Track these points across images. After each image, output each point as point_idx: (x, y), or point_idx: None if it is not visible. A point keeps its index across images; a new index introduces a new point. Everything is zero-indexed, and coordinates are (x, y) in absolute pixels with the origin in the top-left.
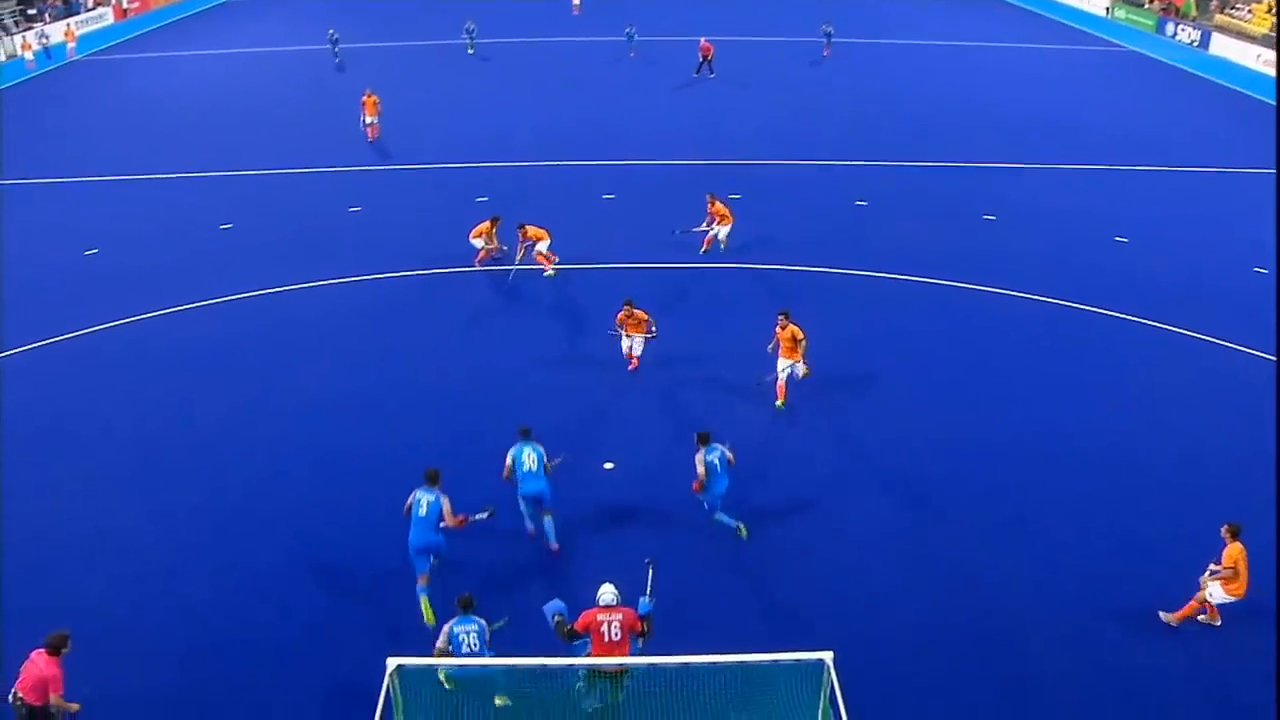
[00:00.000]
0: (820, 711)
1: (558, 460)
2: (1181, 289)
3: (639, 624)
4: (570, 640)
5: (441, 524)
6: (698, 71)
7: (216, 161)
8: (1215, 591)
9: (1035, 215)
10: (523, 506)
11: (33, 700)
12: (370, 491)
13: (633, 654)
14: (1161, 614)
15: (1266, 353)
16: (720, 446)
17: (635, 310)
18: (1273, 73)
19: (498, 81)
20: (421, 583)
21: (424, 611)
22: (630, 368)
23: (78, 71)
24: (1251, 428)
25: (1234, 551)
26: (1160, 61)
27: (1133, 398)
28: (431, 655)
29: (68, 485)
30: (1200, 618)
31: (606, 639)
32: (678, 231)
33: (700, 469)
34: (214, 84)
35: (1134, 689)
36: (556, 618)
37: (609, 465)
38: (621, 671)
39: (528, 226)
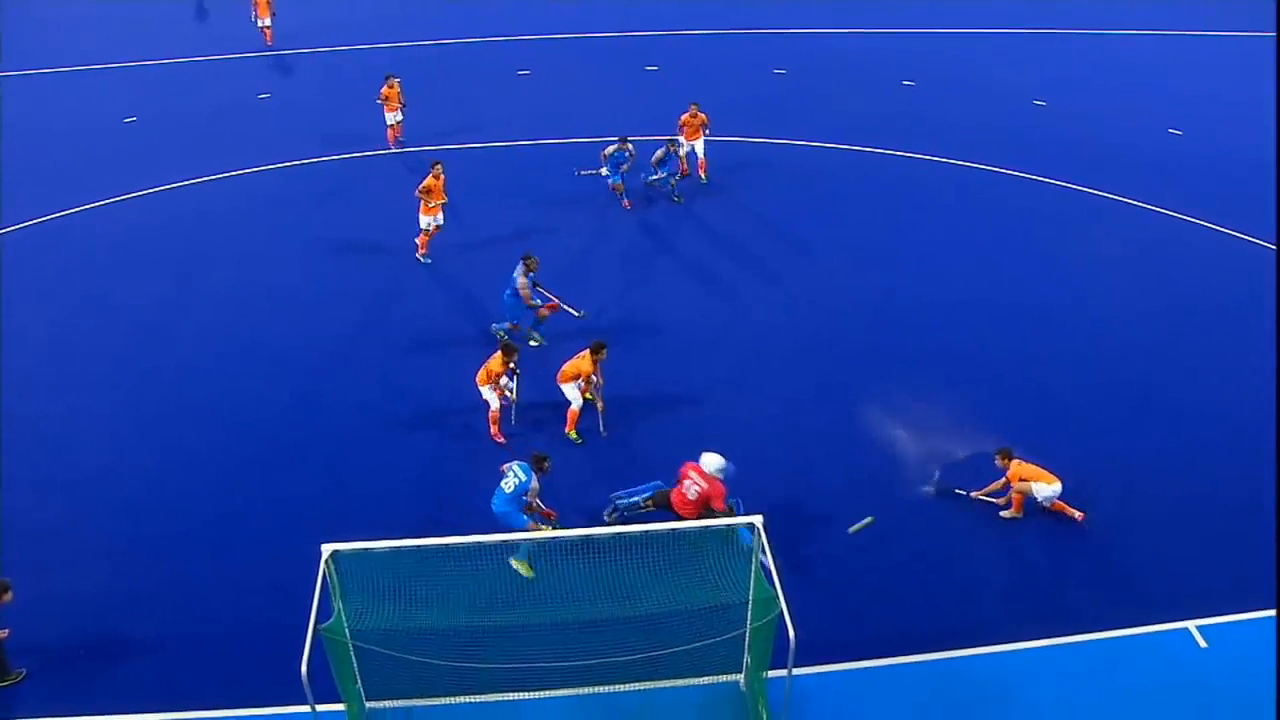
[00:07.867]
0: (752, 573)
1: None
2: (1097, 151)
3: (721, 504)
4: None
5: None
6: None
7: (110, 51)
8: (1041, 490)
9: (954, 80)
10: None
11: None
12: (295, 380)
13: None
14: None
15: (1176, 211)
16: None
17: None
18: None
19: None
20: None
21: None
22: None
23: None
24: (1158, 285)
25: (1016, 471)
26: None
27: (1044, 256)
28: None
29: None
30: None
31: (682, 489)
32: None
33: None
34: None
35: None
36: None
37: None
38: None
39: None
